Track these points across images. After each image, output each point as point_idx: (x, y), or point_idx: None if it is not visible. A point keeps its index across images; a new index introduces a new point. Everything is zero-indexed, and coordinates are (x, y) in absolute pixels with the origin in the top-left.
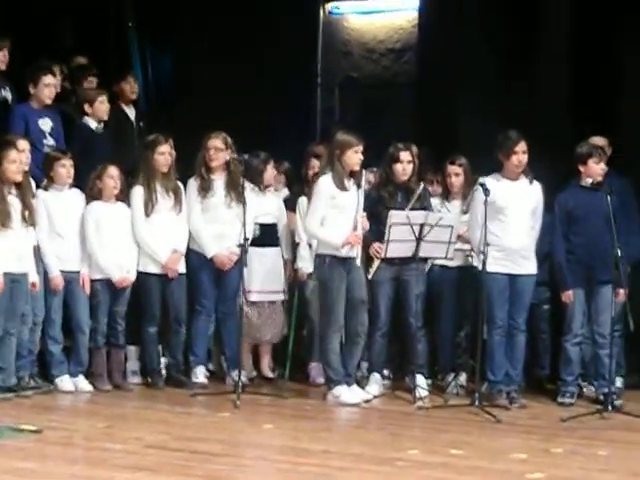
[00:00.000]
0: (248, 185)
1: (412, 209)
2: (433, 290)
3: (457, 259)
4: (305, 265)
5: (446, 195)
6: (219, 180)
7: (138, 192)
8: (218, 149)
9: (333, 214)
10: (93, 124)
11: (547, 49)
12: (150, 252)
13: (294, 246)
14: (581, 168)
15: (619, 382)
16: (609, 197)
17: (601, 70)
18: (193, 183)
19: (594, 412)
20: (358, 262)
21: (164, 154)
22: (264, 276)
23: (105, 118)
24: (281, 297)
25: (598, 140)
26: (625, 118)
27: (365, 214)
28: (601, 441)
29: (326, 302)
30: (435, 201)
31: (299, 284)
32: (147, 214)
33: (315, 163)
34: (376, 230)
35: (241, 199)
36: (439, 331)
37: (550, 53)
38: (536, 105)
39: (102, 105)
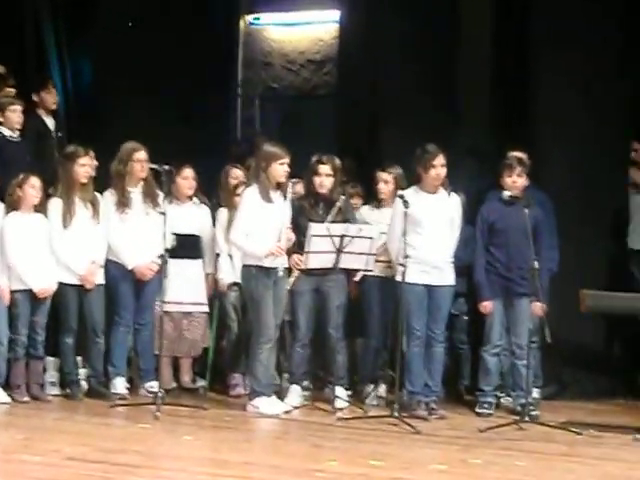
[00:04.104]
0: (162, 195)
1: (333, 222)
2: (360, 301)
3: (380, 270)
4: (225, 276)
5: (377, 203)
6: (136, 192)
7: (56, 204)
8: (146, 161)
9: (258, 225)
10: (6, 132)
11: (469, 62)
12: (67, 264)
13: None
14: (501, 181)
15: (536, 393)
16: (526, 211)
17: (521, 88)
18: (110, 196)
19: (512, 423)
20: (281, 273)
21: (84, 166)
22: (179, 287)
23: (18, 127)
24: (200, 309)
25: (518, 154)
26: (542, 134)
27: (290, 226)
28: (519, 451)
29: (254, 313)
30: (366, 209)
31: (220, 295)
32: (65, 226)
33: (237, 173)
34: (297, 241)
35: (158, 209)
36: (363, 342)
37: (472, 66)
38: (458, 117)
39: (14, 114)
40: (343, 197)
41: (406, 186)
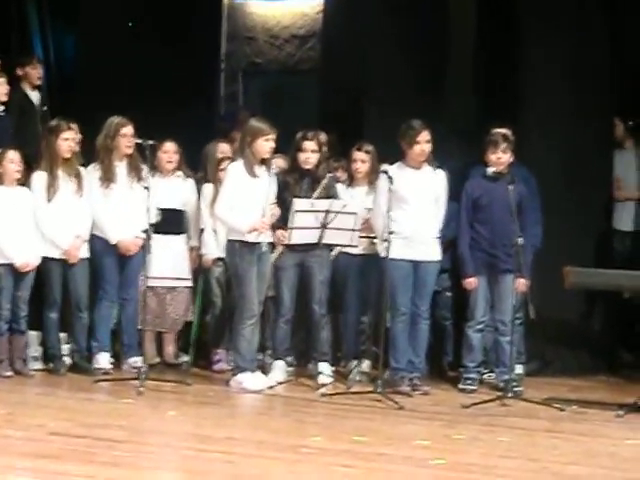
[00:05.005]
0: (146, 170)
1: (317, 198)
2: (338, 277)
3: (362, 246)
4: (210, 251)
5: (350, 181)
6: (121, 166)
7: (40, 177)
8: (132, 136)
9: (243, 200)
10: None
11: (454, 37)
12: (51, 237)
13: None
14: (486, 158)
15: (519, 369)
16: (511, 187)
17: (505, 64)
18: (94, 170)
19: (495, 399)
20: (264, 247)
21: (68, 140)
22: (163, 262)
23: (4, 99)
24: (183, 284)
25: (503, 131)
26: (527, 110)
27: (275, 201)
28: (502, 427)
29: (238, 289)
30: (340, 187)
31: (204, 270)
32: (49, 199)
33: (223, 148)
34: (281, 216)
35: (143, 183)
36: (343, 318)
37: (457, 41)
38: (442, 93)
39: (0, 87)
40: (330, 175)
41: (378, 163)
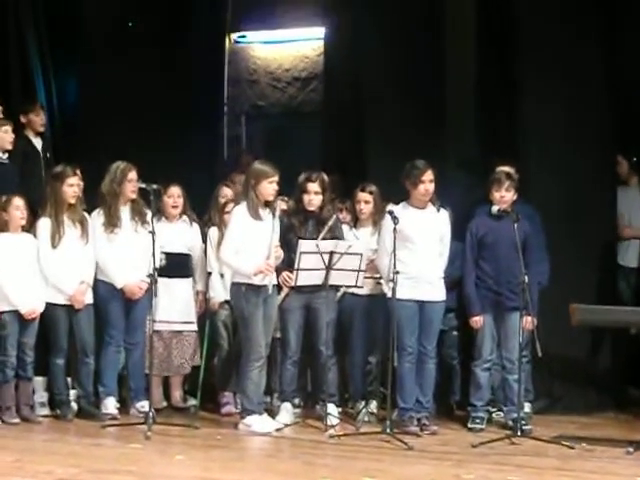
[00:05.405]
0: (150, 214)
1: (323, 239)
2: (344, 318)
3: (367, 287)
4: (217, 294)
5: (355, 222)
6: (125, 210)
7: (45, 223)
8: (136, 181)
9: (248, 243)
10: None
11: (454, 77)
12: (56, 283)
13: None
14: (490, 196)
15: (527, 407)
16: (515, 225)
17: (506, 104)
18: (99, 216)
19: (504, 437)
20: (270, 290)
21: (73, 186)
22: (169, 306)
23: (9, 148)
24: (189, 327)
25: (506, 169)
26: (529, 148)
27: (279, 243)
28: (511, 466)
29: (244, 331)
30: (344, 228)
31: (210, 313)
32: (54, 245)
33: (226, 192)
34: (287, 258)
35: (147, 227)
36: (350, 359)
37: (457, 81)
38: (444, 133)
39: (6, 135)
40: (334, 217)
41: (382, 204)
